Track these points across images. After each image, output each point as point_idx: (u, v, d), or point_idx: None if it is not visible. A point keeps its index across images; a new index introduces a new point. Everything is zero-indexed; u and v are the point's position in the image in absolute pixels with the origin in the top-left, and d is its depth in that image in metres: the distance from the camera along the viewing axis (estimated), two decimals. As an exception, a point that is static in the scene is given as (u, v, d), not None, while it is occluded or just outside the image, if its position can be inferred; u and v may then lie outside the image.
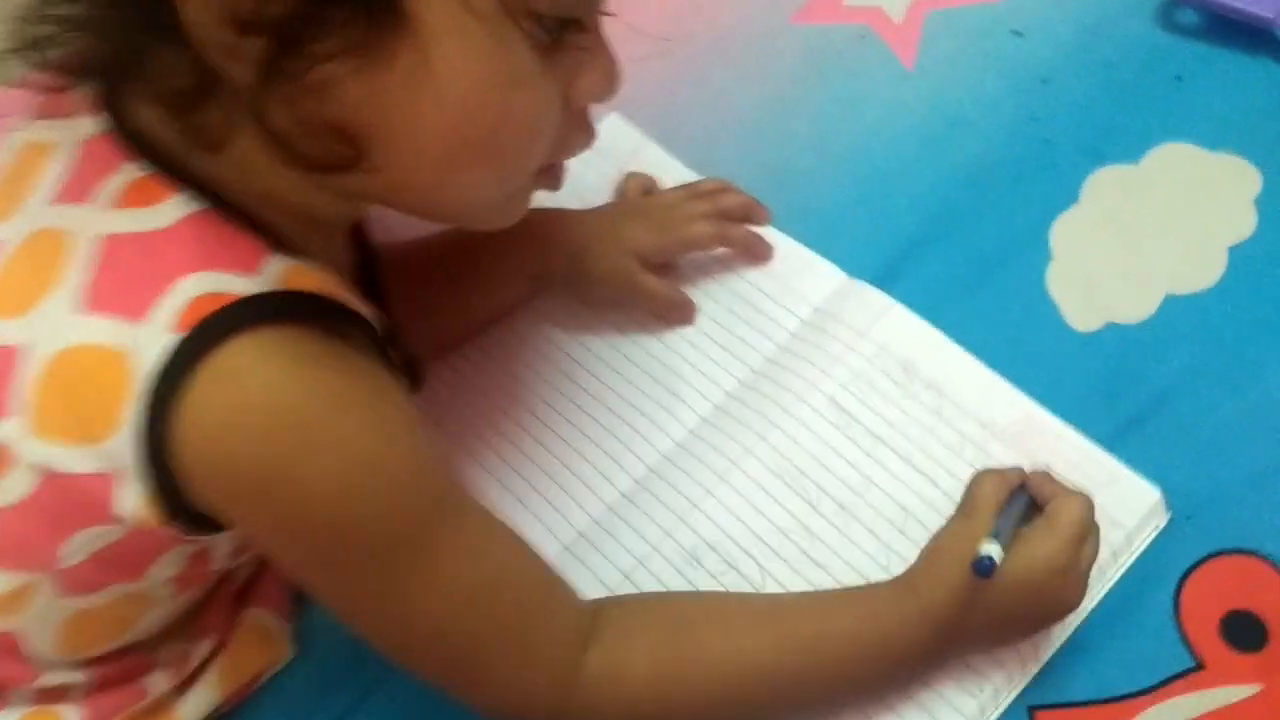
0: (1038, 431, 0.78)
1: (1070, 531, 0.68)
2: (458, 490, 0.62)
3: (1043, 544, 0.67)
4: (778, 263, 0.87)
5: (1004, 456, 0.77)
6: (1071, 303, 0.84)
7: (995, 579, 0.65)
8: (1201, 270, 0.83)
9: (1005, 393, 0.80)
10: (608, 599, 0.71)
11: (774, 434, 0.80)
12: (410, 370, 0.67)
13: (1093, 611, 0.73)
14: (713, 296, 0.87)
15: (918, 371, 0.81)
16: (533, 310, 0.87)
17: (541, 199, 0.65)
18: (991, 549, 0.65)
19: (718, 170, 0.90)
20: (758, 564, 0.76)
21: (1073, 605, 0.69)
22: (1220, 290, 0.82)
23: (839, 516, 0.77)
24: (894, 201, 0.90)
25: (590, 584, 0.75)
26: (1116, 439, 0.78)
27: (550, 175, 0.64)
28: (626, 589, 0.75)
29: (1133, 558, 0.75)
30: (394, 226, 0.73)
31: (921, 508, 0.77)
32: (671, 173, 0.91)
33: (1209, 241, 0.84)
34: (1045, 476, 0.73)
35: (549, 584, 0.66)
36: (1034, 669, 0.71)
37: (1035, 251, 0.86)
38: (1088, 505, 0.69)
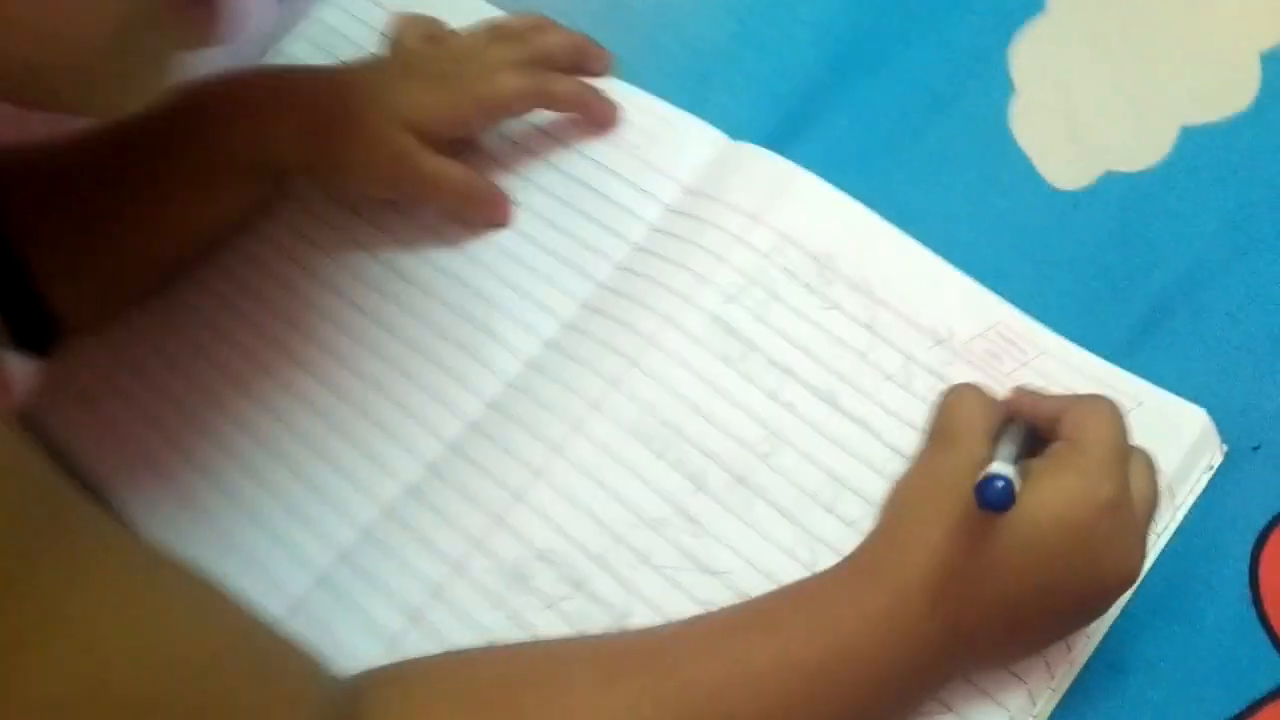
0: (1016, 345, 0.53)
1: (1104, 452, 0.43)
2: (80, 515, 0.35)
3: (1069, 474, 0.43)
4: (627, 128, 0.60)
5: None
6: (1048, 150, 0.59)
7: (1013, 517, 0.41)
8: (1228, 89, 0.58)
9: (966, 292, 0.54)
10: (379, 671, 0.44)
11: (632, 377, 0.54)
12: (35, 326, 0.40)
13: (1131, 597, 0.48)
14: (537, 184, 0.60)
15: (837, 269, 0.55)
16: (272, 224, 0.59)
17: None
18: (1004, 469, 0.41)
19: (536, 5, 0.63)
20: (616, 578, 0.50)
21: (1134, 568, 0.44)
22: (1255, 113, 0.57)
23: (735, 494, 0.51)
24: (789, 31, 0.64)
25: (353, 637, 0.49)
26: (1131, 346, 0.53)
27: (200, 9, 0.37)
28: (412, 642, 0.49)
29: (1181, 511, 0.50)
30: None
31: (857, 470, 0.51)
32: (465, 10, 0.63)
33: (1235, 48, 0.59)
34: (1039, 395, 0.48)
35: (263, 658, 0.39)
36: (1065, 683, 0.47)
37: (991, 83, 0.62)
38: (1116, 416, 0.45)
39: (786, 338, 0.54)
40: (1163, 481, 0.48)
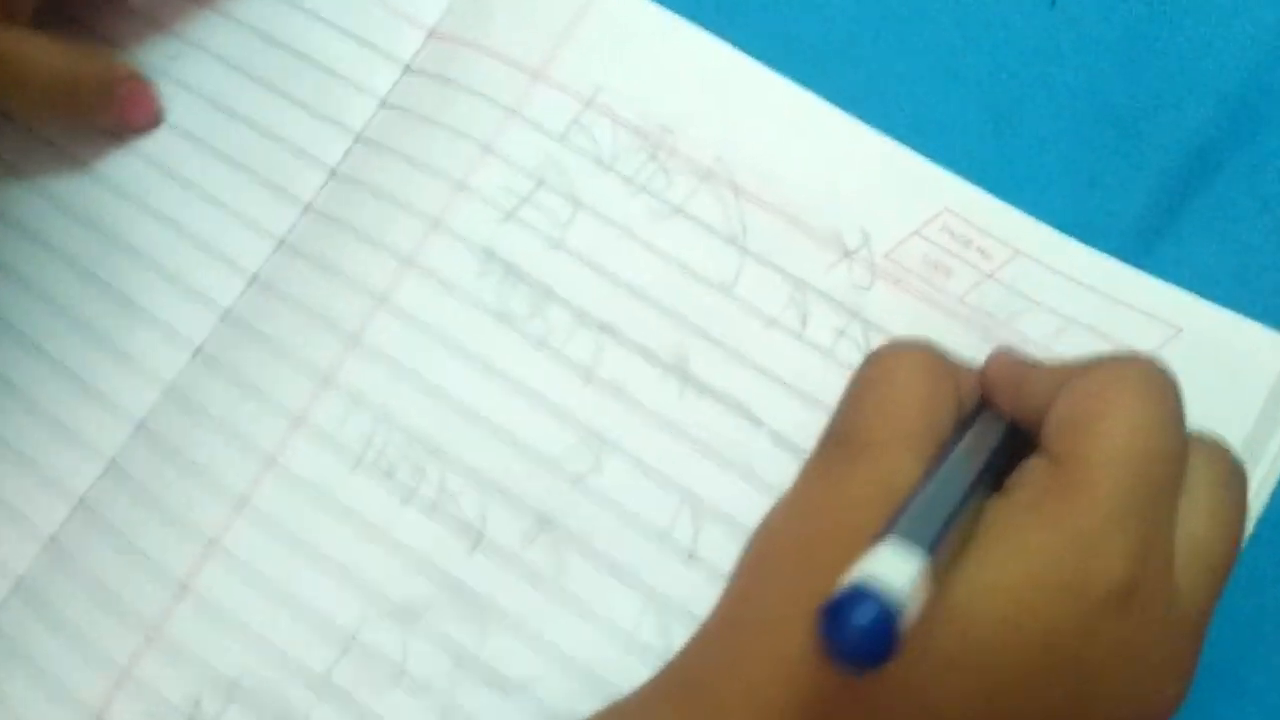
0: (974, 245, 0.32)
1: (1118, 481, 0.23)
2: None
3: (1045, 531, 0.23)
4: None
5: (909, 329, 0.31)
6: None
7: (937, 623, 0.23)
8: None
9: (889, 165, 0.33)
10: None
11: (351, 363, 0.33)
12: None
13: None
14: (199, 53, 0.38)
15: (676, 147, 0.33)
16: None
17: None
18: (882, 569, 0.21)
19: None
20: (344, 711, 0.30)
21: (1167, 702, 0.25)
22: None
23: (535, 547, 0.31)
24: None
25: None
26: (1150, 234, 0.32)
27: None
28: None
29: (1262, 492, 0.30)
30: None
31: (728, 485, 0.31)
32: None
33: None
34: (1025, 364, 0.28)
35: None
36: None
37: None
38: (1151, 399, 0.24)
39: (601, 272, 0.33)
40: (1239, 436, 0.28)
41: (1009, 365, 0.27)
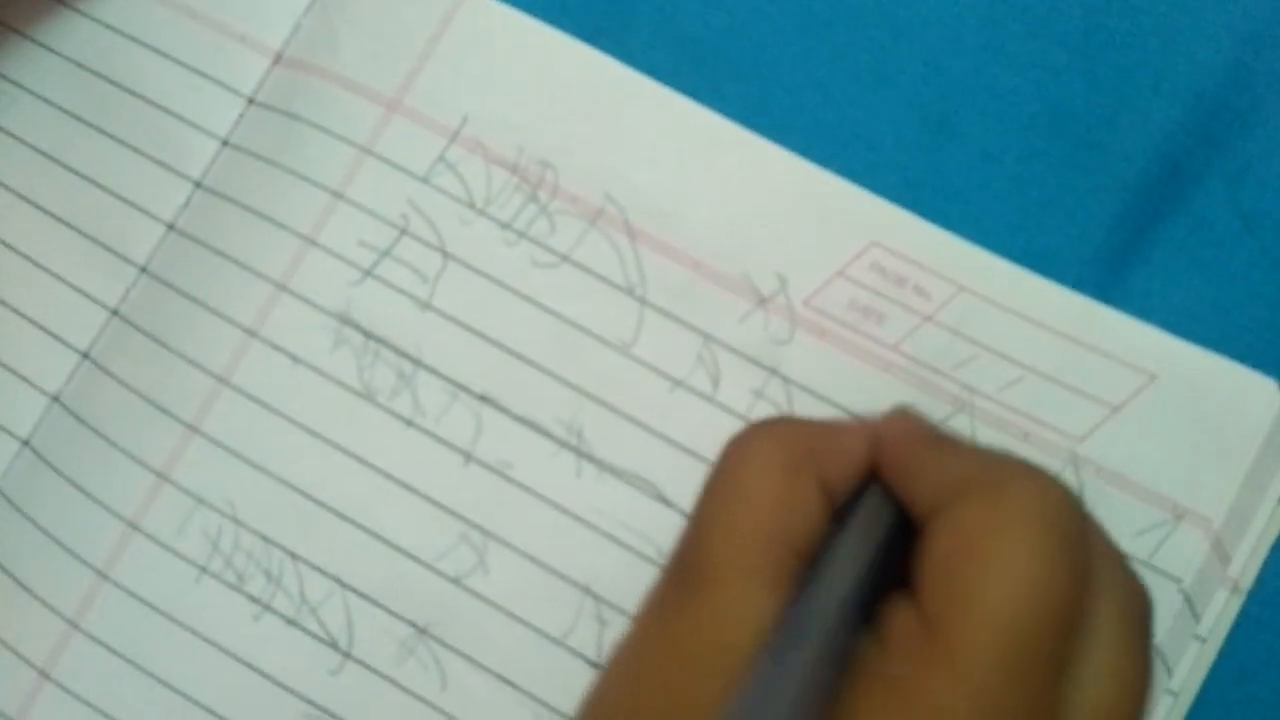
0: (910, 283, 0.28)
1: (1006, 645, 0.19)
2: None
3: (912, 711, 0.19)
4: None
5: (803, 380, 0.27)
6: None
7: None
8: None
9: (807, 191, 0.28)
10: None
11: (190, 453, 0.28)
12: None
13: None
14: (20, 84, 0.33)
15: (558, 183, 0.29)
16: None
17: None
18: None
19: None
20: None
21: None
22: None
23: (412, 663, 0.27)
24: None
25: None
26: (1115, 263, 0.28)
27: None
28: None
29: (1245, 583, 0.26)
30: None
31: (636, 577, 0.26)
32: None
33: None
34: (917, 438, 0.23)
35: None
36: None
37: None
38: (1053, 506, 0.20)
39: (477, 334, 0.28)
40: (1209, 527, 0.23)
41: (901, 444, 0.22)
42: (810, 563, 0.21)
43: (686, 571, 0.22)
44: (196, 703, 0.27)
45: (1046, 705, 0.19)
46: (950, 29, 0.30)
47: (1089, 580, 0.20)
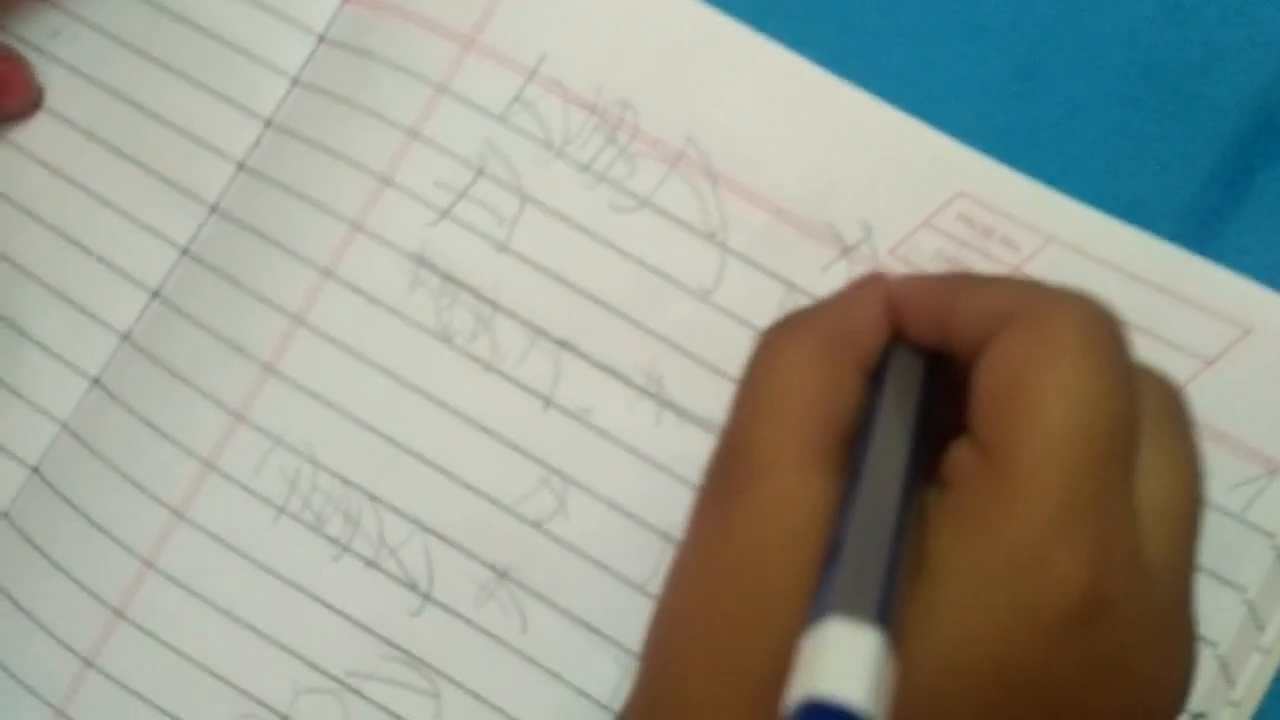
0: (997, 233, 0.27)
1: (1061, 469, 0.19)
2: None
3: (990, 553, 0.19)
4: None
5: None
6: None
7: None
8: None
9: (892, 139, 0.28)
10: None
11: (266, 394, 0.28)
12: None
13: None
14: (84, 28, 0.32)
15: (638, 125, 0.28)
16: None
17: None
18: (835, 672, 0.17)
19: None
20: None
21: (1175, 694, 0.21)
22: None
23: (491, 607, 0.27)
24: None
25: None
26: (1210, 216, 0.27)
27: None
28: None
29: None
30: None
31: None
32: None
33: None
34: (937, 284, 0.22)
35: None
36: None
37: None
38: (1097, 323, 0.20)
39: (556, 278, 0.28)
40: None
41: (927, 292, 0.22)
42: (856, 441, 0.21)
43: (736, 465, 0.21)
44: (274, 641, 0.27)
45: (1119, 516, 0.19)
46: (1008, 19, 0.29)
47: (1135, 389, 0.20)
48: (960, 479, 0.20)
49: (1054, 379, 0.19)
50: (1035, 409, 0.19)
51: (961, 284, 0.22)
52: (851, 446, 0.21)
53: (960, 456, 0.20)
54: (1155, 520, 0.20)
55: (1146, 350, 0.26)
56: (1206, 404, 0.26)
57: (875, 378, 0.22)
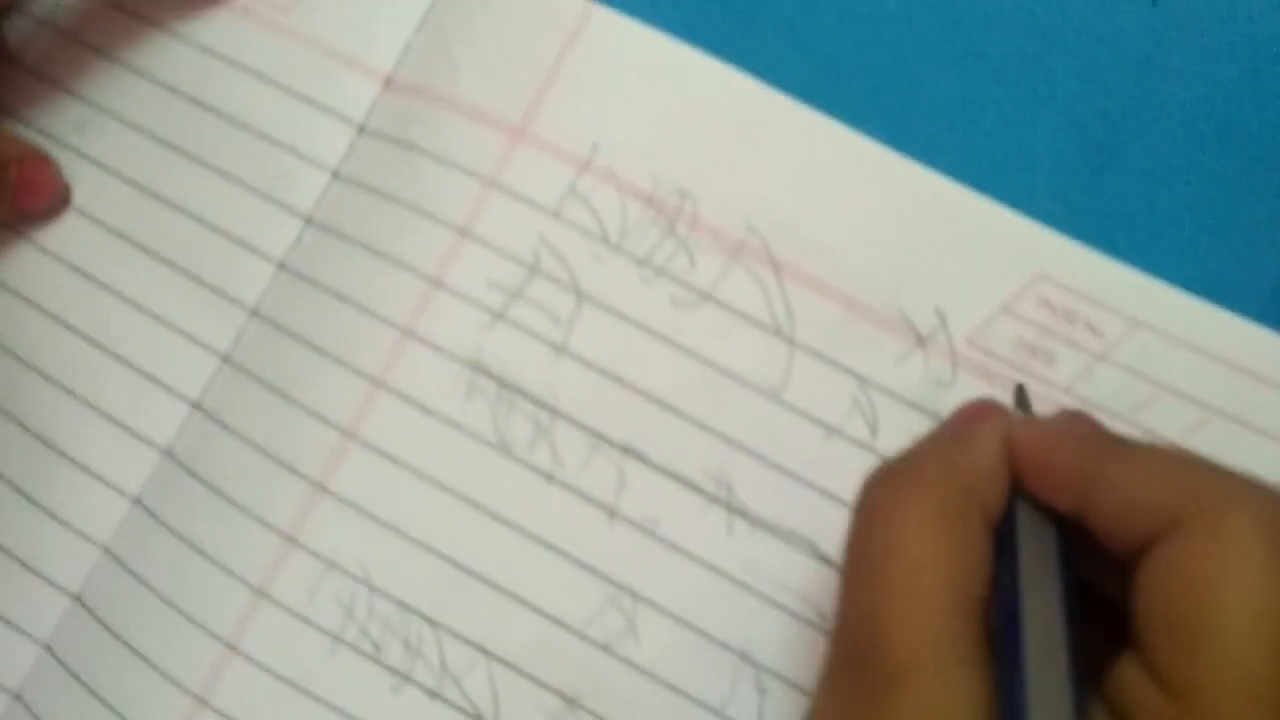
0: (1080, 319, 0.26)
1: (1274, 697, 0.17)
2: None
3: None
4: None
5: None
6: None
7: None
8: None
9: (965, 222, 0.27)
10: None
11: (318, 514, 0.27)
12: None
13: None
14: (116, 123, 0.31)
15: (698, 216, 0.27)
16: None
17: None
18: None
19: None
20: None
21: None
22: None
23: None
24: None
25: None
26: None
27: None
28: None
29: None
30: None
31: (785, 637, 0.25)
32: None
33: None
34: (1086, 446, 0.20)
35: None
36: None
37: None
38: (1270, 507, 0.18)
39: (617, 380, 0.27)
40: None
41: (1065, 456, 0.20)
42: (997, 618, 0.19)
43: (867, 667, 0.19)
44: (334, 778, 0.25)
45: None
46: (1108, 40, 0.28)
47: None
48: (1141, 712, 0.18)
49: (1243, 602, 0.17)
50: (1228, 642, 0.17)
51: (1108, 453, 0.20)
52: (984, 626, 0.19)
53: (1140, 690, 0.18)
54: None
55: (1245, 443, 0.25)
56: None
57: (1000, 534, 0.20)
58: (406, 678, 0.26)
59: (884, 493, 0.20)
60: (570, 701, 0.25)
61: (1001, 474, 0.20)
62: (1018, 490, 0.20)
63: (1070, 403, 0.25)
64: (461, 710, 0.25)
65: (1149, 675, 0.18)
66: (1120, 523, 0.19)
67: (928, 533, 0.19)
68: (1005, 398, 0.26)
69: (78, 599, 0.28)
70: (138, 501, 0.28)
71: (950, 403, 0.26)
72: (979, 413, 0.22)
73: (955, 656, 0.19)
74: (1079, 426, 0.21)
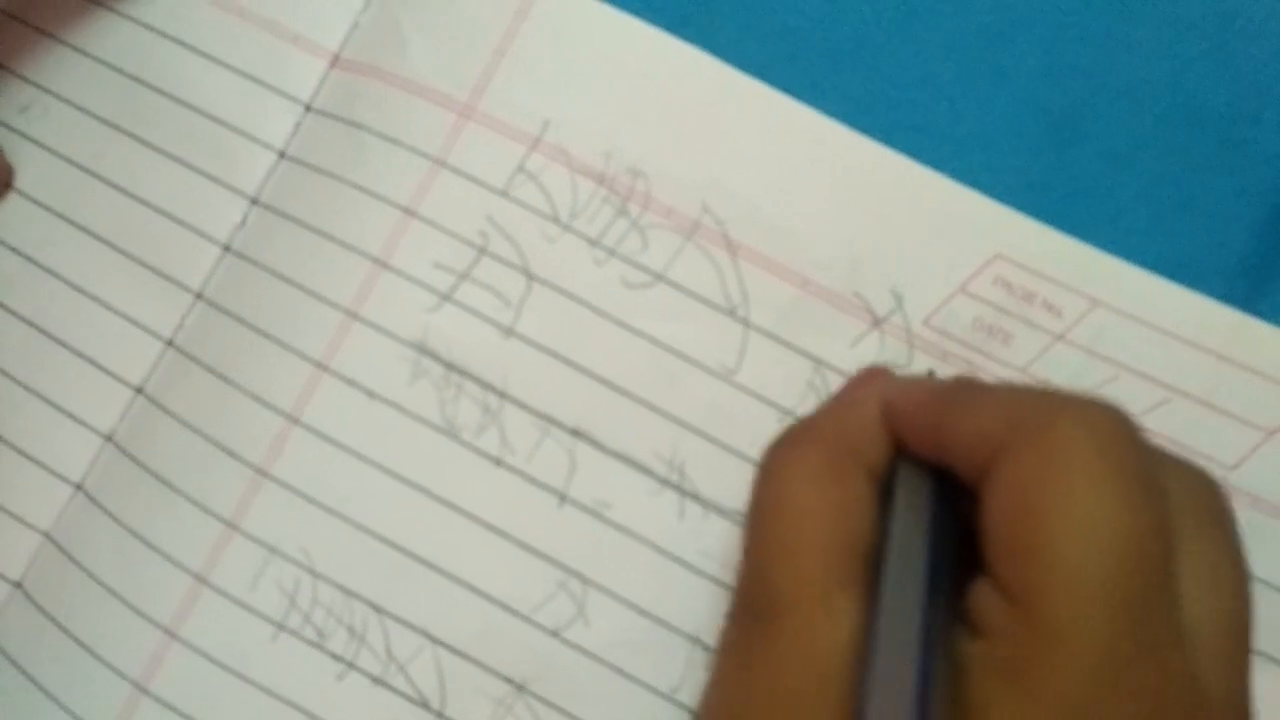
0: (1037, 298, 0.25)
1: (1109, 598, 0.18)
2: None
3: (1035, 701, 0.18)
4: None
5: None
6: None
7: None
8: None
9: (923, 199, 0.26)
10: None
11: (260, 504, 0.26)
12: None
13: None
14: (59, 105, 0.30)
15: (650, 193, 0.26)
16: None
17: None
18: None
19: None
20: None
21: None
22: None
23: (512, 709, 0.25)
24: None
25: None
26: (1269, 274, 0.25)
27: None
28: None
29: None
30: None
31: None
32: None
33: None
34: (938, 397, 0.21)
35: None
36: None
37: None
38: (1110, 427, 0.19)
39: (567, 363, 0.26)
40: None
41: (921, 405, 0.21)
42: (878, 564, 0.20)
43: (756, 606, 0.20)
44: (277, 769, 0.25)
45: (1169, 638, 0.18)
46: (1071, 15, 0.27)
47: (1163, 496, 0.18)
48: (992, 629, 0.18)
49: (1070, 506, 0.18)
50: (1056, 546, 0.18)
51: (957, 396, 0.21)
52: (865, 570, 0.20)
53: (988, 604, 0.18)
54: (1207, 638, 0.18)
55: (1208, 422, 0.24)
56: (1268, 478, 0.24)
57: (887, 491, 0.20)
58: (350, 665, 0.25)
59: (778, 451, 0.22)
60: (519, 687, 0.25)
61: (882, 433, 0.21)
62: (900, 448, 0.21)
63: (1029, 382, 0.25)
64: (406, 697, 0.25)
65: (997, 592, 0.18)
66: (966, 457, 0.20)
67: (811, 486, 0.20)
68: (973, 371, 0.25)
69: (18, 586, 0.27)
70: (79, 488, 0.27)
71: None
72: (863, 377, 0.24)
73: (835, 595, 0.19)
74: (925, 383, 0.22)
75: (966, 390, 0.21)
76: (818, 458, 0.21)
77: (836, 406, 0.23)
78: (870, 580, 0.20)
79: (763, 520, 0.21)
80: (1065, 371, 0.25)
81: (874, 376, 0.24)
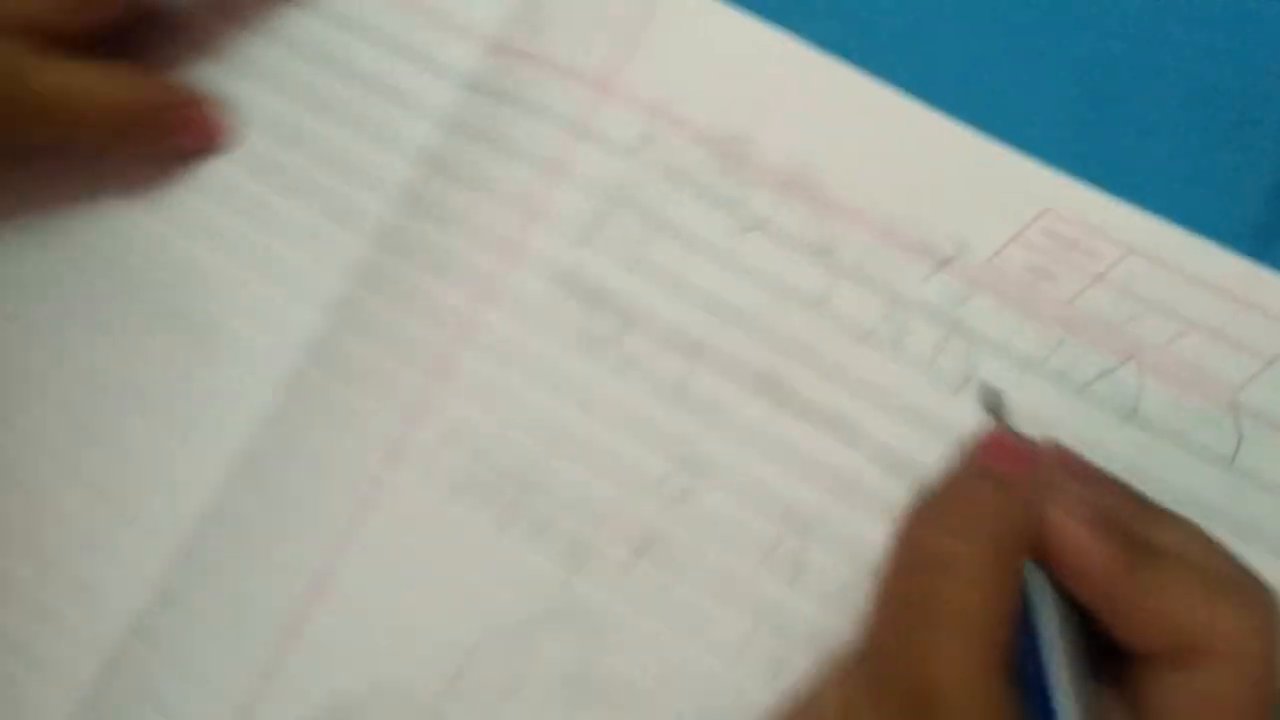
0: (1081, 247, 0.30)
1: None
2: None
3: None
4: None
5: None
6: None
7: None
8: None
9: (985, 164, 0.31)
10: None
11: (438, 398, 0.32)
12: None
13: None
14: (256, 76, 0.36)
15: (755, 158, 0.32)
16: None
17: None
18: None
19: None
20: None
21: None
22: None
23: (636, 574, 0.30)
24: None
25: None
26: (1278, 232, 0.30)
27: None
28: None
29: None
30: None
31: (827, 504, 0.30)
32: None
33: None
34: (1119, 555, 0.22)
35: None
36: None
37: None
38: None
39: (683, 292, 0.32)
40: None
41: (1100, 569, 0.22)
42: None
43: (911, 700, 0.21)
44: (455, 601, 0.31)
45: None
46: (1114, 10, 0.32)
47: None
48: None
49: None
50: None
51: (1137, 564, 0.22)
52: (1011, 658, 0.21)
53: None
54: None
55: (1218, 352, 0.29)
56: (1269, 397, 0.29)
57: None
58: (511, 521, 0.31)
59: (928, 531, 0.23)
60: (647, 543, 0.30)
61: (1032, 530, 0.22)
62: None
63: (1070, 315, 0.30)
64: (557, 545, 0.31)
65: None
66: (1142, 634, 0.21)
67: (976, 593, 0.21)
68: (1014, 314, 0.30)
69: (245, 458, 0.33)
70: (287, 384, 0.33)
71: (967, 316, 0.30)
72: (1003, 454, 0.24)
73: (995, 691, 0.21)
74: (1107, 516, 0.23)
75: (1146, 561, 0.22)
76: (981, 556, 0.21)
77: (988, 485, 0.23)
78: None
79: (916, 607, 0.21)
80: (1101, 306, 0.30)
81: (1017, 457, 0.24)
